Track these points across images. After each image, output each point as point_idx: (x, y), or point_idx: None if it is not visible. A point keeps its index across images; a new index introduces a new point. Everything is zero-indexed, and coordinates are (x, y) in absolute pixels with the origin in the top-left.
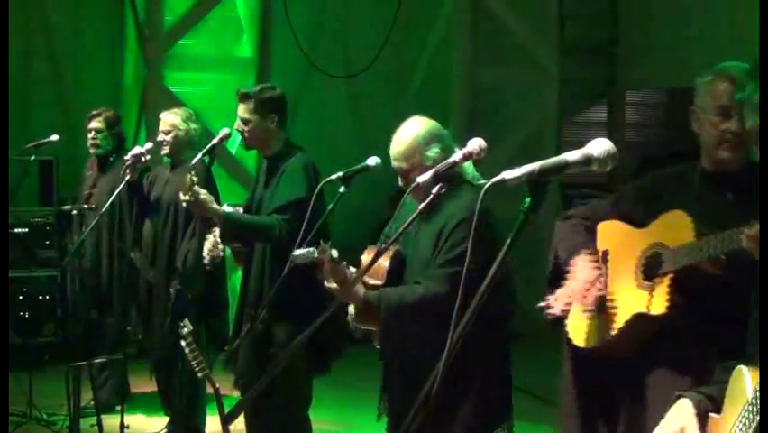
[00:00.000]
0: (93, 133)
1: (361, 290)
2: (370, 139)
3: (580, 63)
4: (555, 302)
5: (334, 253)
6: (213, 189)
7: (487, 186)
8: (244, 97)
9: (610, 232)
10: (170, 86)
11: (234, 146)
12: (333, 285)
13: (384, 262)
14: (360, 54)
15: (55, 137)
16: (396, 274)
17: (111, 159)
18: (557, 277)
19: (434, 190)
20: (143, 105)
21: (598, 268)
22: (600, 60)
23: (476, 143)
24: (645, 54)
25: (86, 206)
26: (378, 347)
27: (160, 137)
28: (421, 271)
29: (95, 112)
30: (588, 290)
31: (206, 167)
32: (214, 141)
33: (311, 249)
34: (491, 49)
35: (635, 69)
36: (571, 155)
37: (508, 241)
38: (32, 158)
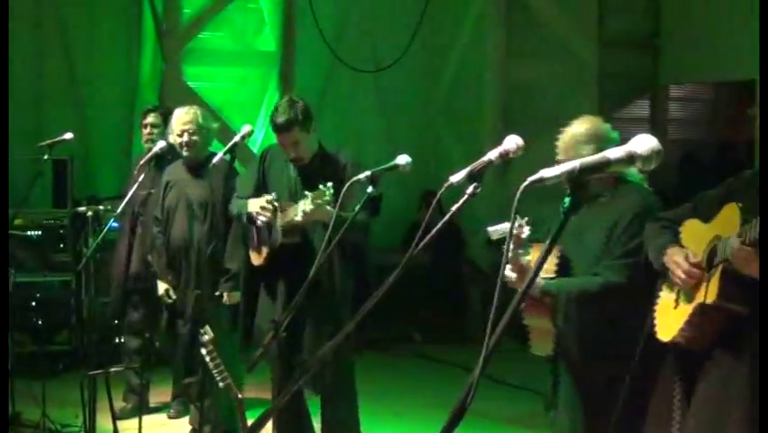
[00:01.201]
0: (149, 128)
1: (540, 280)
2: (398, 136)
3: (620, 56)
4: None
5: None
6: (232, 188)
7: (524, 185)
8: (286, 127)
9: (687, 230)
10: (189, 81)
11: (256, 144)
12: (510, 274)
13: (553, 258)
14: (388, 47)
15: (69, 135)
16: (562, 270)
17: (170, 157)
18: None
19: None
20: (161, 101)
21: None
22: (642, 53)
23: (512, 141)
24: (689, 47)
25: (101, 207)
26: (533, 352)
27: (184, 137)
28: (592, 263)
29: (150, 108)
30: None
31: (229, 165)
32: (236, 138)
33: (505, 224)
34: (526, 41)
35: (678, 62)
36: (614, 153)
37: (547, 243)
38: (46, 157)
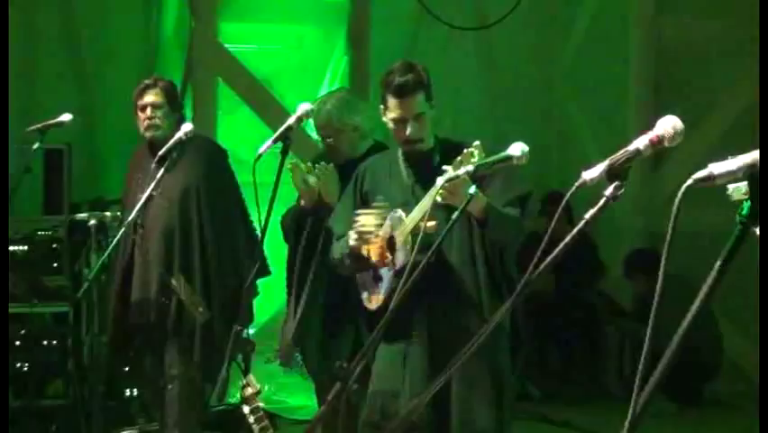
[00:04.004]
0: (149, 109)
1: None
2: (507, 114)
3: None
4: None
5: None
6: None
7: (687, 184)
8: (412, 88)
9: None
10: (227, 43)
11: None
12: None
13: None
14: None
15: (67, 117)
16: None
17: (175, 153)
18: None
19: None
20: (188, 68)
21: None
22: None
23: (668, 124)
24: None
25: (108, 214)
26: None
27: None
28: None
29: (147, 81)
30: None
31: (280, 159)
32: (290, 120)
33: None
34: None
35: None
36: None
37: (719, 264)
38: (36, 146)
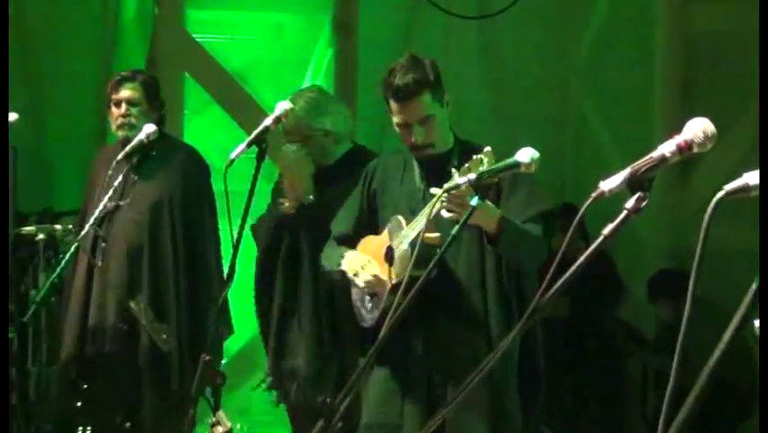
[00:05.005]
0: (124, 106)
1: None
2: (514, 114)
3: None
4: None
5: None
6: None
7: (719, 196)
8: (413, 90)
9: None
10: (195, 33)
11: None
12: None
13: None
14: None
15: (13, 116)
16: None
17: (152, 149)
18: None
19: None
20: (150, 62)
21: None
22: None
23: (698, 127)
24: None
25: (59, 227)
26: None
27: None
28: None
29: (125, 73)
30: None
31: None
32: (267, 121)
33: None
34: None
35: None
36: None
37: (755, 285)
38: None
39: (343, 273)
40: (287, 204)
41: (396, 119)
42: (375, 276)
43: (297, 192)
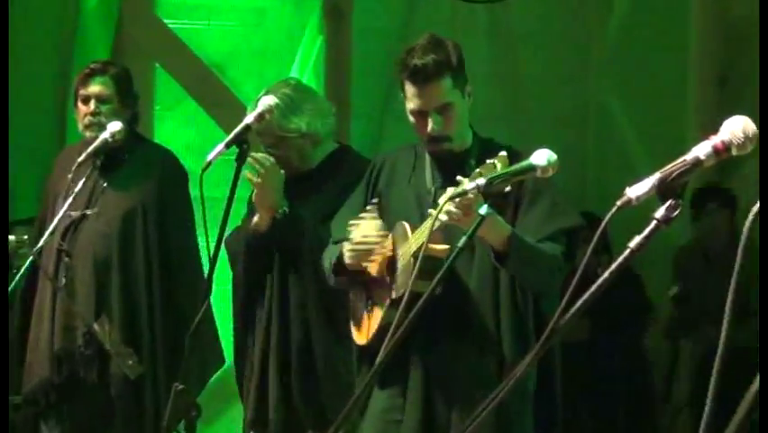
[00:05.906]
0: (92, 102)
1: None
2: (528, 109)
3: None
4: None
5: None
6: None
7: (754, 211)
8: (433, 72)
9: None
10: (167, 19)
11: None
12: None
13: None
14: None
15: None
16: None
17: (123, 152)
18: None
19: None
20: (116, 51)
21: None
22: None
23: (737, 127)
24: None
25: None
26: None
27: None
28: None
29: (94, 66)
30: None
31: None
32: (248, 119)
33: None
34: None
35: None
36: None
37: None
38: None
39: (340, 264)
40: (255, 219)
41: (410, 105)
42: (371, 242)
43: (268, 204)
